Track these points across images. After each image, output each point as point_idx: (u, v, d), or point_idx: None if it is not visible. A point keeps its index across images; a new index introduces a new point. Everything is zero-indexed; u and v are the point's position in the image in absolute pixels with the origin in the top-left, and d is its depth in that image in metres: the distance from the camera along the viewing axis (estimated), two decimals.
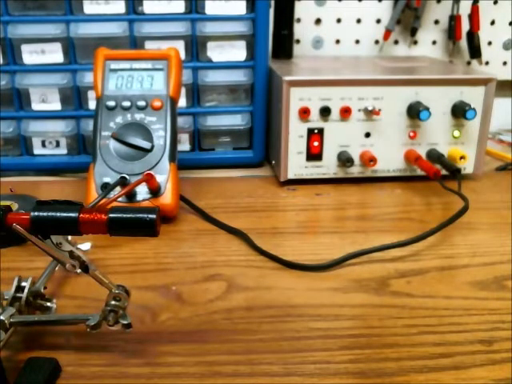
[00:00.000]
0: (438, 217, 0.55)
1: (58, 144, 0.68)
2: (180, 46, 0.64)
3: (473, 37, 0.82)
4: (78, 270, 0.32)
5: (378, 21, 0.82)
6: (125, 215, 0.31)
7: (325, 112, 0.61)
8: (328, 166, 0.64)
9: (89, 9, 0.63)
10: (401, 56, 0.84)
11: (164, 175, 0.54)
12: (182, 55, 0.64)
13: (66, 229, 0.31)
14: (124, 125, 0.55)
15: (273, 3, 0.72)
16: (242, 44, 0.66)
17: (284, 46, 0.74)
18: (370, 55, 0.83)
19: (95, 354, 0.34)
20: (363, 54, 0.83)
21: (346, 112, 0.61)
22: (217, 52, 0.66)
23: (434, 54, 0.85)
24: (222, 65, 0.66)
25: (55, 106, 0.66)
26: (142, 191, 0.53)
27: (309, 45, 0.82)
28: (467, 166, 0.65)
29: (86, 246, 0.48)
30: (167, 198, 0.53)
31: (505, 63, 0.87)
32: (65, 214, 0.31)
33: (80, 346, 0.35)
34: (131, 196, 0.53)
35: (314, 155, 0.63)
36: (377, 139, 0.63)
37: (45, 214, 0.31)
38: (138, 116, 0.55)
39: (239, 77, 0.67)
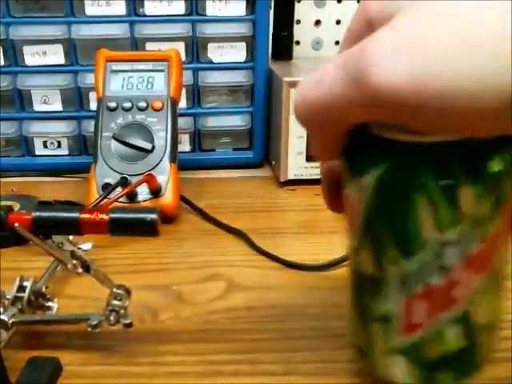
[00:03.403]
0: None
1: (59, 145, 0.68)
2: (180, 47, 0.64)
3: None
4: (80, 270, 0.32)
5: None
6: (126, 215, 0.31)
7: None
8: None
9: (90, 10, 0.63)
10: None
11: (165, 176, 0.54)
12: (183, 56, 0.64)
13: (68, 229, 0.31)
14: (125, 125, 0.55)
15: (272, 4, 0.73)
16: (242, 45, 0.66)
17: (284, 47, 0.74)
18: None
19: (96, 354, 0.34)
20: None
21: None
22: (217, 53, 0.66)
23: None
24: (223, 66, 0.66)
25: (56, 106, 0.66)
26: (143, 192, 0.53)
27: (308, 46, 0.82)
28: None
29: (87, 245, 0.48)
30: (168, 198, 0.53)
31: None
32: (66, 215, 0.31)
33: (81, 345, 0.35)
34: (132, 196, 0.53)
35: (313, 156, 0.63)
36: None
37: (46, 214, 0.31)
38: (139, 117, 0.56)
39: (239, 78, 0.67)
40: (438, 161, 0.22)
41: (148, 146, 0.54)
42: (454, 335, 0.26)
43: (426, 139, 0.22)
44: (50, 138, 0.68)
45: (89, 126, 0.67)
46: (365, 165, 0.24)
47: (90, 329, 0.33)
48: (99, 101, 0.57)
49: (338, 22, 0.81)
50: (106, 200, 0.51)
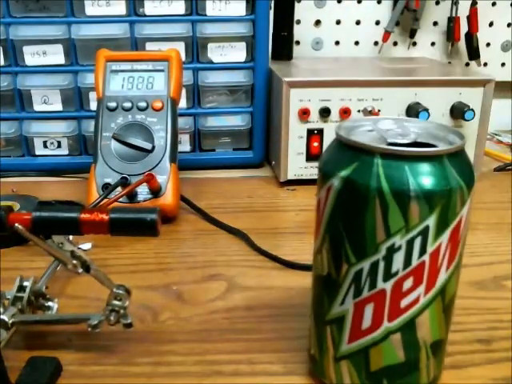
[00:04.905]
0: None
1: (59, 145, 0.68)
2: (180, 47, 0.64)
3: (471, 38, 0.83)
4: (80, 270, 0.32)
5: (377, 22, 0.82)
6: (126, 215, 0.31)
7: (324, 113, 0.61)
8: None
9: (90, 10, 0.63)
10: (400, 57, 0.84)
11: (165, 176, 0.54)
12: (183, 56, 0.64)
13: (68, 229, 0.31)
14: (125, 125, 0.55)
15: (272, 4, 0.73)
16: (242, 45, 0.66)
17: (284, 47, 0.74)
18: (370, 56, 0.84)
19: (96, 354, 0.34)
20: (362, 56, 0.83)
21: (345, 113, 0.61)
22: (217, 53, 0.66)
23: (432, 56, 0.85)
24: (223, 66, 0.67)
25: (57, 106, 0.66)
26: (143, 192, 0.53)
27: (308, 46, 0.82)
28: None
29: (87, 245, 0.48)
30: (168, 198, 0.53)
31: (503, 64, 0.87)
32: (66, 215, 0.31)
33: (81, 345, 0.35)
34: (132, 196, 0.53)
35: (313, 156, 0.63)
36: None
37: (46, 214, 0.31)
38: (139, 117, 0.56)
39: (239, 78, 0.67)
40: (396, 170, 0.25)
41: (148, 145, 0.54)
42: (395, 347, 0.28)
43: (392, 151, 0.25)
44: (50, 138, 0.68)
45: (89, 126, 0.67)
46: (336, 167, 0.27)
47: (90, 329, 0.33)
48: (99, 101, 0.57)
49: (338, 22, 0.82)
50: (106, 200, 0.51)
